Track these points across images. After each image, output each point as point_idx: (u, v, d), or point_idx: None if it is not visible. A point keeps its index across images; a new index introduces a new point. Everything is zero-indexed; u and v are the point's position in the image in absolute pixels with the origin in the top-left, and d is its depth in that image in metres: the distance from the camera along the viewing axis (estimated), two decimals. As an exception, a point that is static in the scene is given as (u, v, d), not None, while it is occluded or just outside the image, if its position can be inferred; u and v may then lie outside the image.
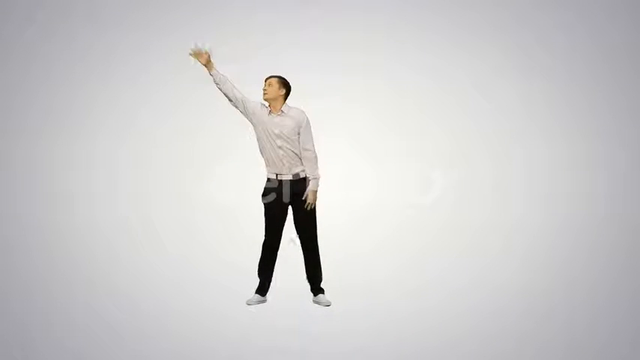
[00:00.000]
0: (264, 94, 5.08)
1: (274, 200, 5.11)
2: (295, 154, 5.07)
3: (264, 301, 5.20)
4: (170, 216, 7.27)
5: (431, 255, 6.44)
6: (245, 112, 5.12)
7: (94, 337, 4.41)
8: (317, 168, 5.09)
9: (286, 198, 5.11)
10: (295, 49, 7.68)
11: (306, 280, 5.26)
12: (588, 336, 4.45)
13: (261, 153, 5.15)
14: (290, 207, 5.16)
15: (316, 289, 5.23)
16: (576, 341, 4.36)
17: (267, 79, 5.14)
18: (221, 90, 5.10)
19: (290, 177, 5.09)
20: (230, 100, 5.13)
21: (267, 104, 5.11)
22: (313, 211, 5.14)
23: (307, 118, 5.10)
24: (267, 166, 5.15)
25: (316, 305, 5.15)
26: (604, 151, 7.67)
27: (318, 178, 5.08)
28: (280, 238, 5.21)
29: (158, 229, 7.03)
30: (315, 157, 5.10)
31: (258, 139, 5.14)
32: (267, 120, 5.06)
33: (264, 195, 5.16)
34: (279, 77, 5.12)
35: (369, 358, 4.18)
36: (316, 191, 5.08)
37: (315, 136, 5.14)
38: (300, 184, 5.10)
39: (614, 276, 5.74)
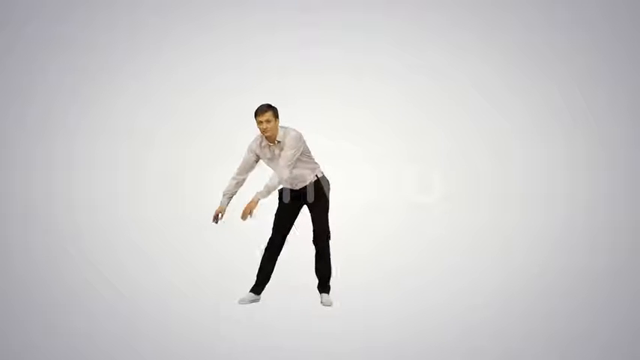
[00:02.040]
0: (265, 131, 4.81)
1: (292, 200, 5.12)
2: (305, 167, 5.05)
3: (257, 300, 5.18)
4: (170, 216, 7.27)
5: (431, 255, 6.44)
6: (259, 161, 5.04)
7: (94, 337, 4.41)
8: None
9: (310, 198, 5.09)
10: (295, 50, 7.69)
11: (315, 275, 5.23)
12: (588, 336, 4.45)
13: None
14: (306, 207, 5.15)
15: (322, 286, 5.21)
16: (576, 341, 4.35)
17: (260, 113, 4.78)
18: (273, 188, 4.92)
19: (307, 184, 5.09)
20: (252, 168, 5.04)
21: (261, 139, 4.93)
22: (326, 206, 5.10)
23: (297, 135, 4.89)
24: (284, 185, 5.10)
25: (316, 305, 5.14)
26: (604, 151, 7.67)
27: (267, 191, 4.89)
28: (286, 237, 5.20)
29: (158, 229, 7.03)
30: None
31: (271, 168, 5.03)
32: (272, 157, 4.97)
33: (283, 194, 5.15)
34: (272, 108, 4.84)
35: (369, 358, 4.17)
36: (256, 202, 4.82)
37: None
38: (316, 184, 5.08)
39: (614, 276, 5.74)
